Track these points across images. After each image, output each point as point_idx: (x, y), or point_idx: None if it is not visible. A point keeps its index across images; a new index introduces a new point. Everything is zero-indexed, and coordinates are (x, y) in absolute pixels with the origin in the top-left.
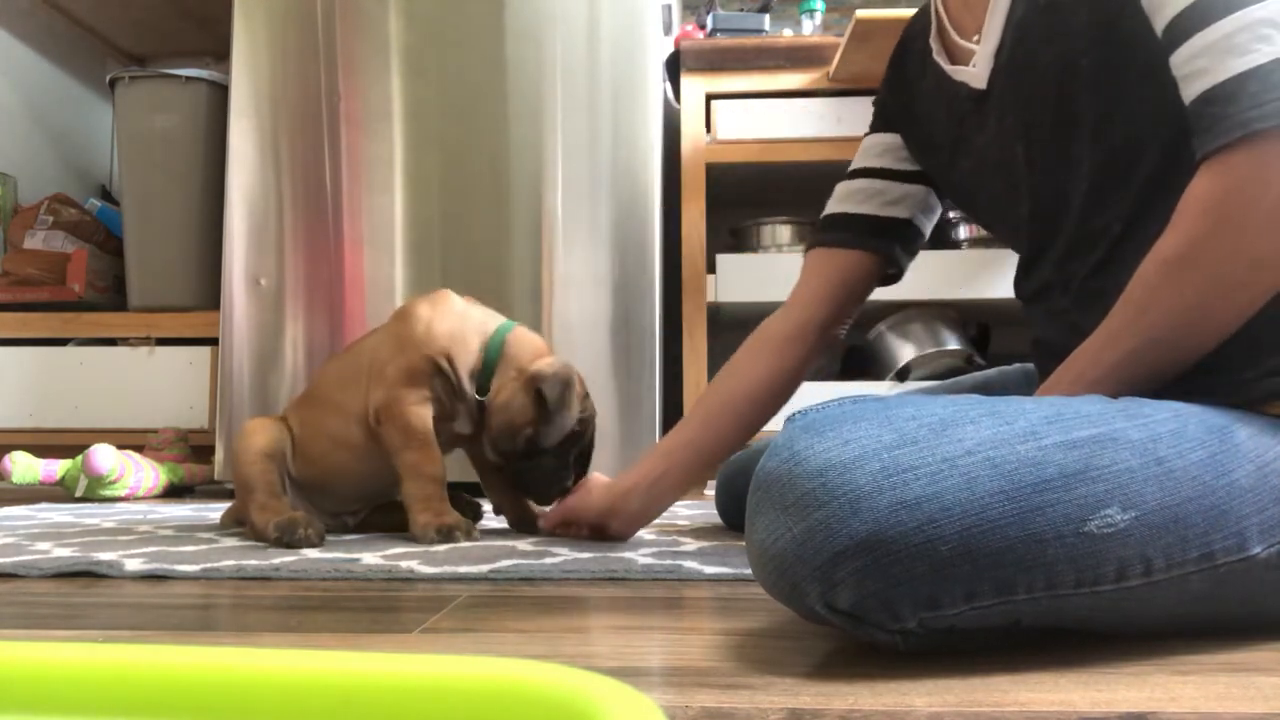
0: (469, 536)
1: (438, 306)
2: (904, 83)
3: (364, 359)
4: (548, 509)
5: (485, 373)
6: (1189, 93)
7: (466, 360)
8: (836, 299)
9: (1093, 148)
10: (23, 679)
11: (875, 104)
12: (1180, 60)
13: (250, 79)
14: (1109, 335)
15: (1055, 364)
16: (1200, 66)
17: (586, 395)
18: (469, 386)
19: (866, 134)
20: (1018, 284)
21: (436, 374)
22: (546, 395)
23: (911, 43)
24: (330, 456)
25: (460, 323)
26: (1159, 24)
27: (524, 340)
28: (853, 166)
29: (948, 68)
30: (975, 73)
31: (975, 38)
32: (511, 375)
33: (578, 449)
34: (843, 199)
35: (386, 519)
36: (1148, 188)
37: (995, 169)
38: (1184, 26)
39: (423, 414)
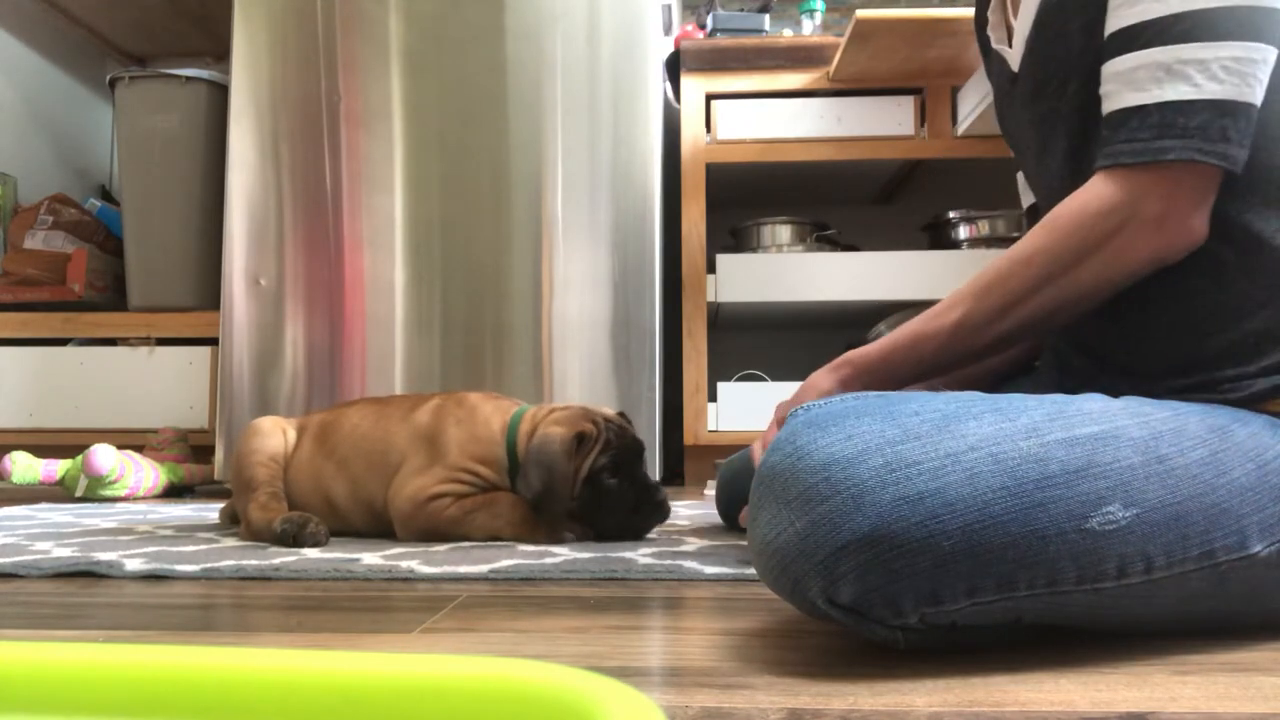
0: (583, 538)
1: (464, 424)
2: (986, 51)
3: (393, 447)
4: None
5: (514, 469)
6: (1103, 109)
7: (498, 467)
8: None
9: (1084, 145)
10: (23, 679)
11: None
12: (1103, 77)
13: (250, 79)
14: (962, 322)
15: (1055, 349)
16: (1108, 90)
17: (596, 435)
18: (505, 482)
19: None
20: None
21: (467, 482)
22: (530, 487)
23: (983, 13)
24: (315, 492)
25: (485, 435)
26: (1105, 36)
27: (524, 425)
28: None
29: (996, 45)
30: (1013, 54)
31: None
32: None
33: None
34: (1025, 188)
35: None
36: None
37: (1024, 151)
38: (1111, 47)
39: (454, 508)
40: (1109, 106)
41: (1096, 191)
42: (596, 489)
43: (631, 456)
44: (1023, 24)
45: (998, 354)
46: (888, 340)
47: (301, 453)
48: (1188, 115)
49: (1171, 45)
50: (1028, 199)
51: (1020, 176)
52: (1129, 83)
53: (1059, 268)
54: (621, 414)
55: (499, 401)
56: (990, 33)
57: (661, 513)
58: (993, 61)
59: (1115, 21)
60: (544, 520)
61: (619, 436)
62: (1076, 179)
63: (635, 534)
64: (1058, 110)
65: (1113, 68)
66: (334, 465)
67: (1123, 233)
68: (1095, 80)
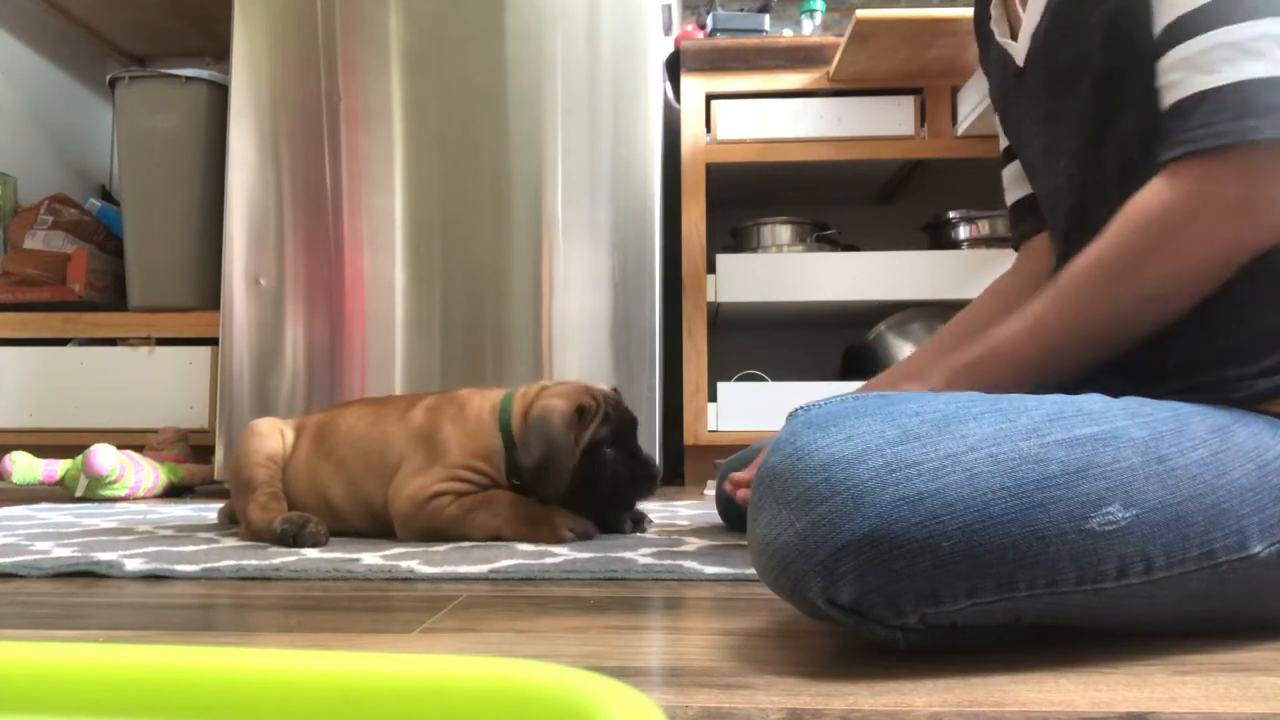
0: (583, 536)
1: (460, 421)
2: (984, 46)
3: (391, 447)
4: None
5: (510, 456)
6: (1163, 102)
7: (495, 459)
8: None
9: (1099, 142)
10: (23, 679)
11: (982, 65)
12: (1162, 69)
13: (250, 79)
14: (1038, 325)
15: None
16: (1173, 79)
17: (596, 408)
18: (503, 477)
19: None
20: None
21: (468, 480)
22: (530, 456)
23: (985, 6)
24: (313, 493)
25: (479, 428)
26: (1156, 28)
27: (516, 406)
28: (1002, 149)
29: (1000, 39)
30: (1018, 48)
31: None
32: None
33: (614, 458)
34: (1013, 184)
35: None
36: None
37: (1027, 147)
38: (1170, 37)
39: (454, 507)
40: (1174, 96)
41: (1164, 184)
42: (595, 461)
43: (627, 430)
44: (1031, 17)
45: (1093, 360)
46: (974, 348)
47: (299, 454)
48: (1272, 92)
49: (1242, 23)
50: (1014, 194)
51: (1006, 172)
52: (1198, 67)
53: (1136, 258)
54: (615, 389)
55: (486, 392)
56: (993, 26)
57: (652, 485)
58: (992, 56)
59: (1172, 10)
60: (543, 514)
61: (616, 410)
62: (1085, 176)
63: (628, 504)
64: (1068, 108)
65: (1176, 55)
66: (332, 466)
67: (1196, 224)
68: (1111, 77)
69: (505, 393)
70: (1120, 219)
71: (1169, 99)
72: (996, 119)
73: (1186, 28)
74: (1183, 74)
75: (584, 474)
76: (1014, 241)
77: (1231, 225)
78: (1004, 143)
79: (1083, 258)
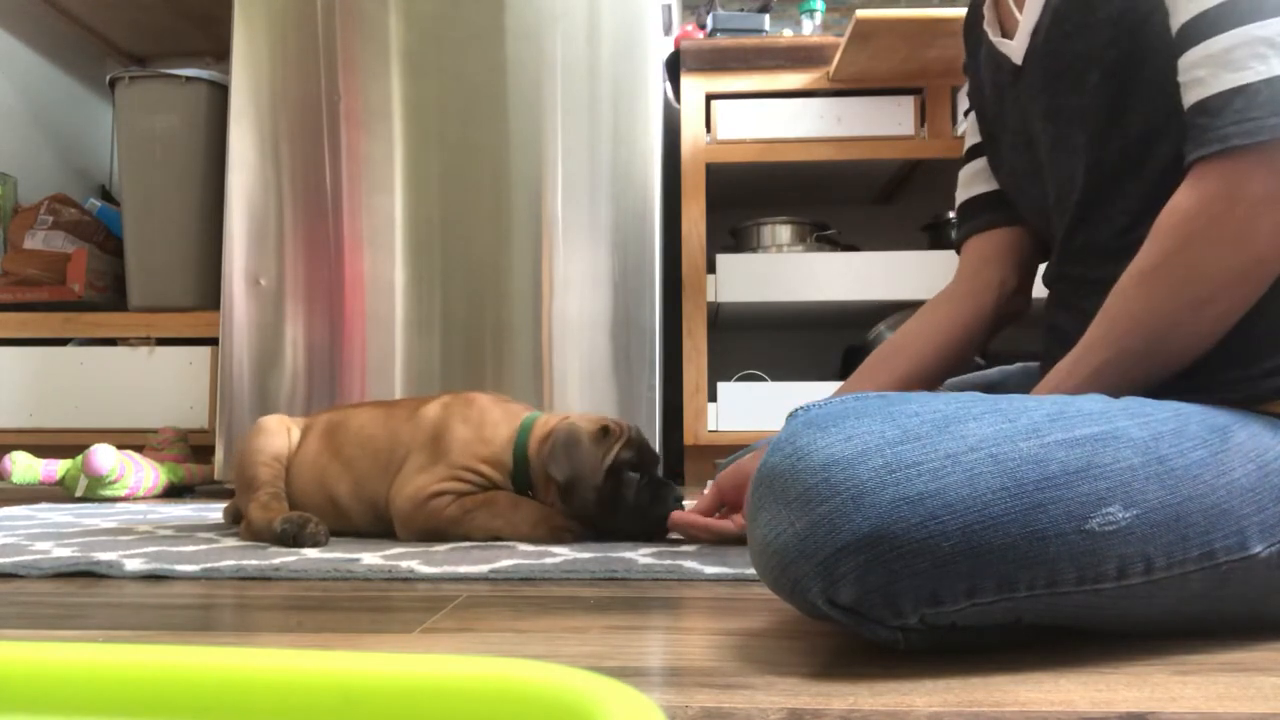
0: (583, 538)
1: (471, 423)
2: (972, 49)
3: (399, 444)
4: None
5: (518, 472)
6: (1186, 100)
7: (503, 469)
8: (1005, 265)
9: (1104, 138)
10: (23, 679)
11: (964, 71)
12: (1184, 66)
13: (250, 79)
14: (1085, 346)
15: (1064, 351)
16: (1197, 76)
17: (620, 432)
18: (508, 484)
19: (966, 111)
20: (1045, 268)
21: (470, 481)
22: (560, 471)
23: (978, 9)
24: (319, 491)
25: (493, 436)
26: (1174, 25)
27: (537, 429)
28: (966, 148)
29: (994, 38)
30: (1015, 47)
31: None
32: (535, 463)
33: (637, 485)
34: (971, 182)
35: None
36: (1161, 182)
37: (1024, 148)
38: (1192, 33)
39: (454, 507)
40: (1200, 93)
41: (1194, 182)
42: (618, 482)
43: (650, 458)
44: (1030, 15)
45: (1150, 382)
46: (1039, 390)
47: (306, 451)
48: None
49: (1270, 19)
50: (968, 192)
51: (965, 170)
52: (1225, 64)
53: (1172, 260)
54: (636, 428)
55: (508, 406)
56: (986, 28)
57: (678, 504)
58: (983, 57)
59: (1193, 6)
60: (543, 514)
61: (639, 437)
62: (1094, 174)
63: (656, 524)
64: (1071, 104)
65: (1200, 52)
66: (339, 464)
67: (1230, 219)
68: (1118, 72)
69: (529, 414)
70: (1154, 228)
71: (1193, 96)
72: (972, 117)
73: (1209, 24)
74: (1208, 71)
75: (608, 494)
76: (959, 241)
77: (1264, 221)
78: (971, 140)
79: (1123, 277)
